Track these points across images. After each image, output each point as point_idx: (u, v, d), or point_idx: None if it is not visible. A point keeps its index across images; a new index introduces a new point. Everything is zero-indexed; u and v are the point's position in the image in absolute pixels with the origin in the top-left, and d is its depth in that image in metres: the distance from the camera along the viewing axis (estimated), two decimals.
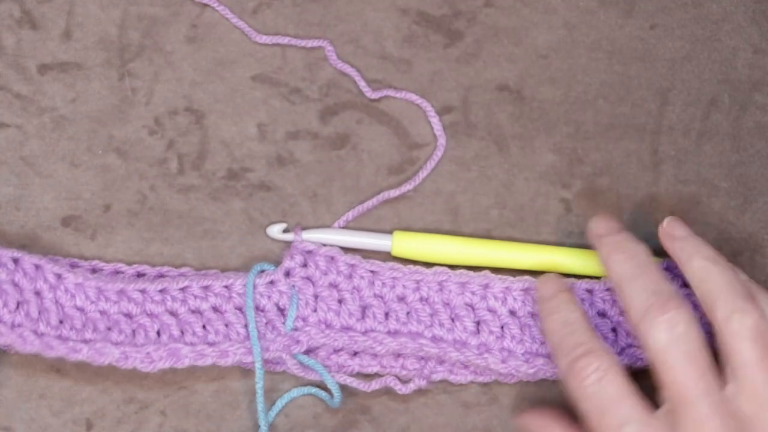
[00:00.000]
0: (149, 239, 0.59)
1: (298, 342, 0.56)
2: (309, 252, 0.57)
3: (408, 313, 0.57)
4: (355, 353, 0.57)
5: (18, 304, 0.55)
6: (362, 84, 0.61)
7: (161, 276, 0.57)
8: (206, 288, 0.56)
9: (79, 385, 0.57)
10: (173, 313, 0.56)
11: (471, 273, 0.58)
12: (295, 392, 0.57)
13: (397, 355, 0.57)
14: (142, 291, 0.56)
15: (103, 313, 0.56)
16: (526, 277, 0.58)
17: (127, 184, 0.59)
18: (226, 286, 0.57)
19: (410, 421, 0.58)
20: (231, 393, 0.57)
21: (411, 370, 0.57)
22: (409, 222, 0.60)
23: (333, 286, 0.57)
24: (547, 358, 0.56)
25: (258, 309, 0.56)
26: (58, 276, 0.55)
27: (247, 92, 0.61)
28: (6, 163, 0.59)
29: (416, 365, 0.57)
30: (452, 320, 0.57)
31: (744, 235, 0.60)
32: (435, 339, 0.56)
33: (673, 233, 0.55)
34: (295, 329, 0.56)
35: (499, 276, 0.58)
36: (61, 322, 0.55)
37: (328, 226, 0.59)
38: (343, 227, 0.59)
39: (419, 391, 0.57)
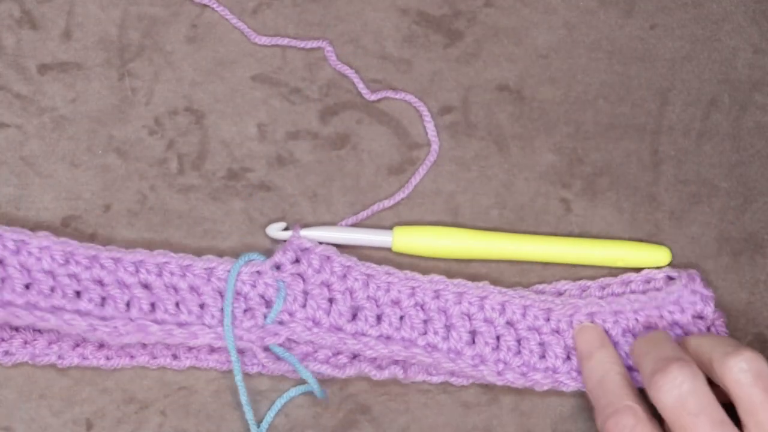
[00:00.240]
0: (149, 239, 0.59)
1: (276, 335, 0.55)
2: (304, 249, 0.57)
3: (401, 317, 0.56)
4: (354, 356, 0.57)
5: None
6: (361, 86, 0.61)
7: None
8: (186, 267, 0.56)
9: (79, 385, 0.57)
10: (146, 286, 0.56)
11: (469, 283, 0.57)
12: (294, 392, 0.57)
13: (396, 360, 0.57)
14: (116, 260, 0.56)
15: (72, 276, 0.55)
16: (526, 292, 0.57)
17: (127, 184, 0.59)
18: (207, 269, 0.56)
19: (410, 421, 0.58)
20: (231, 393, 0.57)
21: (395, 362, 0.57)
22: (409, 222, 0.60)
23: (325, 284, 0.56)
24: (545, 372, 0.56)
25: (239, 294, 0.56)
26: (21, 241, 0.55)
27: (247, 92, 0.61)
28: (6, 163, 0.59)
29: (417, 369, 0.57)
30: (447, 329, 0.56)
31: (744, 235, 0.60)
32: (429, 347, 0.56)
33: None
34: (280, 323, 0.56)
35: (498, 288, 0.57)
36: (27, 287, 0.55)
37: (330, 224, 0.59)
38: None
39: (419, 391, 0.57)
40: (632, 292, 0.58)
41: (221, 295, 0.56)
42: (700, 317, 0.57)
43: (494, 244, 0.59)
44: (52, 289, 0.55)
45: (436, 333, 0.56)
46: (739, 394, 0.50)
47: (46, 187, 0.59)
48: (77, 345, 0.56)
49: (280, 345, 0.56)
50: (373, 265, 0.57)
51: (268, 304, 0.56)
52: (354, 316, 0.56)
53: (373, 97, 0.61)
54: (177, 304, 0.56)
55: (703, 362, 0.52)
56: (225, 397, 0.57)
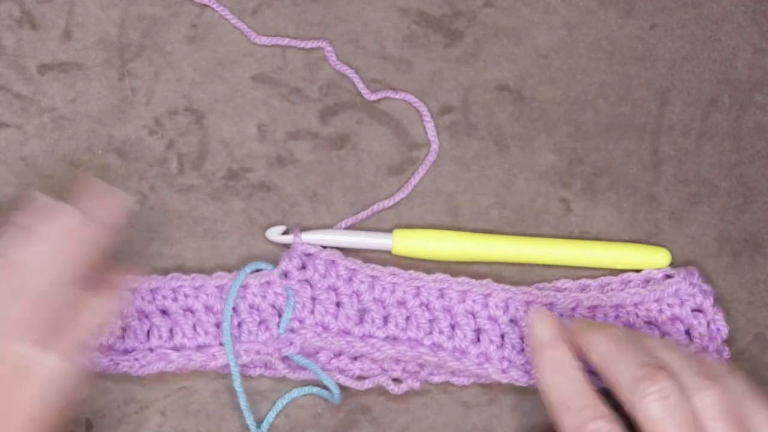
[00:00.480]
0: (149, 239, 0.59)
1: (291, 344, 0.56)
2: (309, 255, 0.57)
3: (407, 318, 0.56)
4: (355, 357, 0.57)
5: None
6: (361, 86, 0.61)
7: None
8: (199, 288, 0.57)
9: (79, 385, 0.57)
10: (164, 311, 0.56)
11: (473, 281, 0.57)
12: (296, 392, 0.57)
13: (397, 360, 0.57)
14: (132, 290, 0.56)
15: None
16: (529, 288, 0.58)
17: (127, 184, 0.59)
18: (218, 286, 0.57)
19: (410, 421, 0.58)
20: (231, 393, 0.57)
21: (411, 373, 0.57)
22: (409, 222, 0.60)
23: (332, 289, 0.57)
24: None
25: (252, 308, 0.56)
26: None
27: (247, 92, 0.61)
28: (6, 163, 0.59)
29: (417, 369, 0.57)
30: (452, 327, 0.57)
31: (744, 235, 0.60)
32: (434, 346, 0.56)
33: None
34: (291, 331, 0.56)
35: (502, 286, 0.57)
36: None
37: (329, 227, 0.59)
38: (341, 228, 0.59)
39: (419, 391, 0.57)
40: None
41: (235, 311, 0.56)
42: (699, 311, 0.57)
43: (494, 247, 0.59)
44: None
45: (441, 332, 0.56)
46: (707, 427, 0.49)
47: (46, 187, 0.59)
48: None
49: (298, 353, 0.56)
50: (378, 267, 0.57)
51: (280, 313, 0.56)
52: (361, 319, 0.56)
53: (373, 97, 0.61)
54: (194, 327, 0.56)
55: (600, 369, 0.51)
56: (225, 398, 0.57)
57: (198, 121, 0.60)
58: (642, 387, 0.49)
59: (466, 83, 0.61)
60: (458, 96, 0.61)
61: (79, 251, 0.51)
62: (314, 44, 0.61)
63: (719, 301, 0.59)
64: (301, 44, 0.61)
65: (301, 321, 0.56)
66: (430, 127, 0.60)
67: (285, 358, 0.57)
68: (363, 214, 0.59)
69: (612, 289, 0.58)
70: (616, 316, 0.57)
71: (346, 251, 0.58)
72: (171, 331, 0.56)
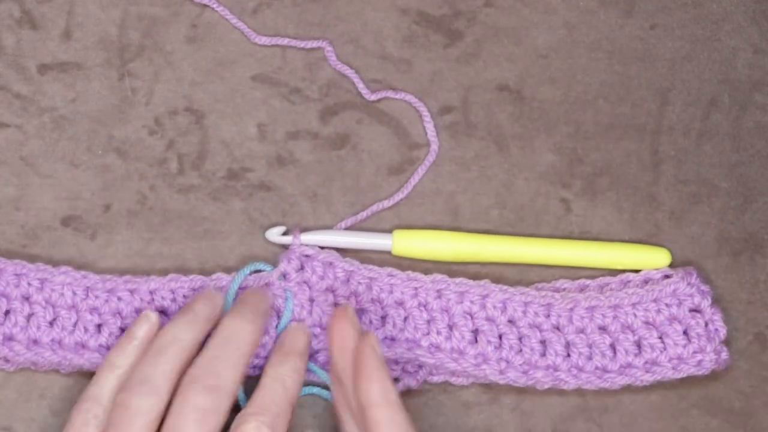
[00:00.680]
0: (149, 239, 0.59)
1: None
2: (307, 256, 0.57)
3: (405, 318, 0.56)
4: None
5: (6, 313, 0.55)
6: (361, 86, 0.61)
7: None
8: (197, 290, 0.57)
9: (79, 385, 0.57)
10: (163, 311, 0.56)
11: (471, 282, 0.57)
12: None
13: (396, 360, 0.57)
14: (132, 291, 0.56)
15: (94, 310, 0.56)
16: (526, 289, 0.58)
17: (127, 184, 0.59)
18: (217, 288, 0.57)
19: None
20: None
21: (410, 372, 0.57)
22: (409, 222, 0.60)
23: (329, 290, 0.57)
24: (545, 370, 0.56)
25: None
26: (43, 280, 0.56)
27: (247, 92, 0.61)
28: (6, 163, 0.59)
29: (416, 369, 0.57)
30: (450, 328, 0.56)
31: (744, 235, 0.60)
32: (432, 347, 0.56)
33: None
34: None
35: (500, 286, 0.57)
36: (51, 324, 0.55)
37: (329, 227, 0.59)
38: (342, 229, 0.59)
39: (419, 391, 0.57)
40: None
41: None
42: (698, 311, 0.57)
43: (494, 247, 0.59)
44: (75, 324, 0.55)
45: (438, 333, 0.56)
46: None
47: (46, 187, 0.59)
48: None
49: None
50: (376, 268, 0.57)
51: (279, 315, 0.56)
52: (359, 320, 0.56)
53: (373, 97, 0.61)
54: None
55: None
56: None
57: (198, 121, 0.60)
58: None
59: (466, 83, 0.61)
60: (458, 96, 0.61)
61: None
62: (314, 44, 0.61)
63: (719, 301, 0.59)
64: (301, 44, 0.61)
65: (299, 322, 0.56)
66: (429, 127, 0.60)
67: None
68: (362, 215, 0.59)
69: (611, 290, 0.58)
70: (615, 317, 0.57)
71: (346, 252, 0.58)
72: None
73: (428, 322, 0.56)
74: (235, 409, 0.51)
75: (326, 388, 0.57)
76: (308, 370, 0.57)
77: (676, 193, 0.61)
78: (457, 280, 0.57)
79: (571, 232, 0.60)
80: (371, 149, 0.60)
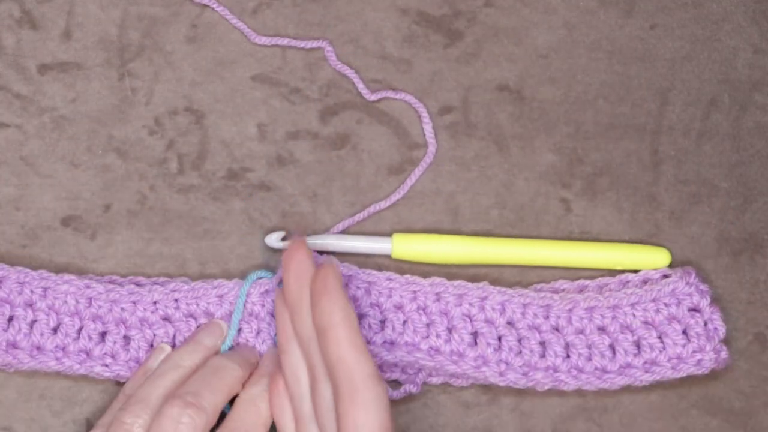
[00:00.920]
0: (149, 239, 0.59)
1: None
2: None
3: (404, 322, 0.56)
4: None
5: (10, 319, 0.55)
6: (361, 86, 0.61)
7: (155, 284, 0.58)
8: (199, 298, 0.57)
9: (79, 385, 0.57)
10: (166, 319, 0.56)
11: (469, 284, 0.57)
12: None
13: (396, 362, 0.57)
14: (135, 302, 0.56)
15: (97, 318, 0.56)
16: (525, 290, 0.58)
17: (127, 184, 0.59)
18: (219, 296, 0.57)
19: (410, 421, 0.58)
20: None
21: (410, 374, 0.57)
22: (409, 222, 0.60)
23: None
24: (545, 371, 0.56)
25: (251, 316, 0.56)
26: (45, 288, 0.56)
27: (247, 92, 0.61)
28: (6, 163, 0.59)
29: (416, 371, 0.57)
30: (449, 331, 0.56)
31: (744, 235, 0.60)
32: (431, 350, 0.56)
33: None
34: None
35: (498, 288, 0.57)
36: (55, 331, 0.55)
37: (326, 230, 0.59)
38: (341, 232, 0.59)
39: (419, 392, 0.57)
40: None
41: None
42: (697, 310, 0.57)
43: (493, 249, 0.59)
44: (79, 332, 0.56)
45: (438, 336, 0.56)
46: None
47: (46, 187, 0.59)
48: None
49: None
50: (374, 272, 0.57)
51: None
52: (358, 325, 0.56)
53: (373, 97, 0.61)
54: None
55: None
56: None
57: (198, 121, 0.60)
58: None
59: (466, 83, 0.61)
60: (458, 96, 0.61)
61: None
62: (314, 44, 0.61)
63: (719, 301, 0.59)
64: (301, 44, 0.61)
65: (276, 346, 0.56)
66: (428, 128, 0.60)
67: None
68: (359, 216, 0.59)
69: (610, 290, 0.58)
70: (614, 317, 0.57)
71: (345, 255, 0.58)
72: (174, 338, 0.56)
73: (427, 325, 0.56)
74: None
75: None
76: None
77: (676, 193, 0.61)
78: (456, 282, 0.57)
79: (571, 232, 0.60)
80: (371, 149, 0.60)
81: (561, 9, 0.62)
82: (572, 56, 0.62)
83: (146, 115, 0.60)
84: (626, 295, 0.57)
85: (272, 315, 0.56)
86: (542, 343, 0.56)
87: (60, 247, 0.58)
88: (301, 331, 0.50)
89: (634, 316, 0.57)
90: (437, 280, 0.57)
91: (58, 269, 0.57)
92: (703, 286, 0.57)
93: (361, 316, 0.56)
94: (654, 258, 0.59)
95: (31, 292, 0.56)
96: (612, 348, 0.56)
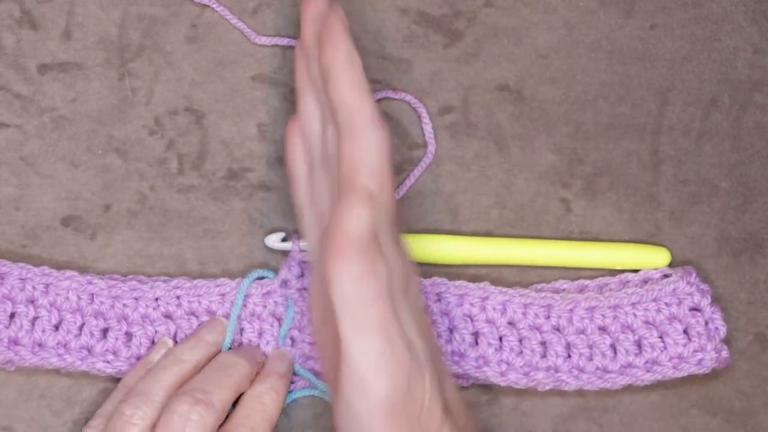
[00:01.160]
0: (149, 239, 0.59)
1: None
2: (306, 262, 0.57)
3: None
4: None
5: (12, 316, 0.55)
6: None
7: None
8: (201, 296, 0.57)
9: (79, 385, 0.57)
10: (168, 316, 0.56)
11: (470, 284, 0.57)
12: (297, 392, 0.57)
13: None
14: (137, 298, 0.56)
15: (99, 315, 0.56)
16: (525, 290, 0.58)
17: (127, 184, 0.59)
18: (220, 294, 0.57)
19: None
20: None
21: None
22: (409, 222, 0.60)
23: None
24: (546, 371, 0.56)
25: (253, 316, 0.56)
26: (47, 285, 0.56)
27: (247, 92, 0.61)
28: (6, 163, 0.59)
29: None
30: (450, 331, 0.57)
31: (744, 235, 0.60)
32: None
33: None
34: (291, 340, 0.56)
35: (499, 288, 0.57)
36: (57, 328, 0.55)
37: None
38: None
39: None
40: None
41: (237, 318, 0.56)
42: (697, 309, 0.57)
43: (494, 249, 0.59)
44: (80, 329, 0.55)
45: (439, 336, 0.56)
46: None
47: (46, 187, 0.59)
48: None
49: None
50: None
51: (280, 322, 0.56)
52: None
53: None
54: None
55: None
56: None
57: (198, 121, 0.60)
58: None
59: (466, 83, 0.61)
60: (458, 96, 0.61)
61: None
62: None
63: (719, 301, 0.59)
64: None
65: (300, 329, 0.56)
66: (428, 129, 0.60)
67: None
68: None
69: (610, 290, 0.58)
70: (614, 317, 0.57)
71: None
72: (175, 335, 0.56)
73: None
74: None
75: (325, 392, 0.57)
76: (302, 377, 0.57)
77: (676, 193, 0.61)
78: (457, 282, 0.57)
79: (571, 232, 0.60)
80: None
81: (561, 9, 0.62)
82: (572, 56, 0.62)
83: (146, 115, 0.60)
84: (627, 295, 0.57)
85: (274, 316, 0.56)
86: (543, 343, 0.57)
87: (60, 247, 0.58)
88: (314, 75, 0.50)
89: (635, 315, 0.57)
90: (438, 280, 0.57)
91: (59, 269, 0.57)
92: (704, 286, 0.57)
93: None
94: (654, 258, 0.59)
95: (33, 288, 0.56)
96: (613, 348, 0.56)
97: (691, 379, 0.57)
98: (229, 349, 0.56)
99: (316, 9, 0.52)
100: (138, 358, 0.55)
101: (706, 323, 0.57)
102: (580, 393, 0.58)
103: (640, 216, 0.60)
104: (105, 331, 0.56)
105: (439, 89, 0.61)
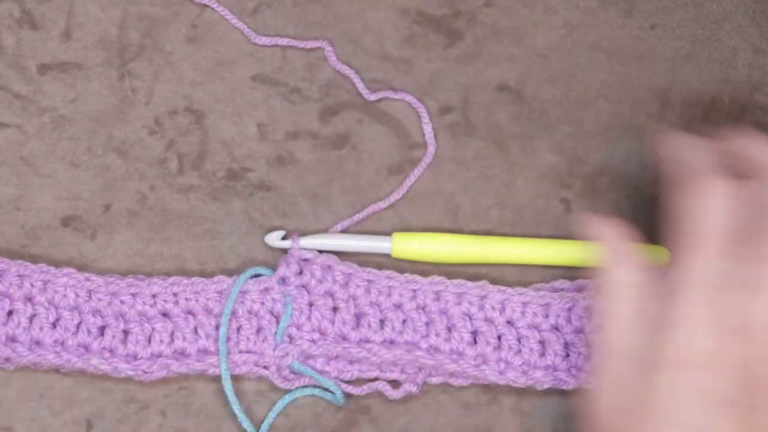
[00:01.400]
0: (149, 239, 0.59)
1: (287, 354, 0.56)
2: (305, 260, 0.57)
3: (404, 321, 0.56)
4: (353, 360, 0.57)
5: (10, 313, 0.55)
6: (361, 86, 0.61)
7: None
8: (198, 293, 0.57)
9: (79, 385, 0.57)
10: (165, 314, 0.56)
11: (469, 283, 0.57)
12: (297, 392, 0.57)
13: (395, 362, 0.57)
14: (135, 294, 0.56)
15: (96, 312, 0.56)
16: (524, 289, 0.58)
17: (127, 184, 0.59)
18: (218, 292, 0.57)
19: (410, 421, 0.58)
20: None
21: (410, 374, 0.57)
22: (409, 222, 0.60)
23: (328, 294, 0.57)
24: (545, 370, 0.56)
25: (251, 313, 0.56)
26: (46, 282, 0.56)
27: (247, 92, 0.61)
28: (6, 163, 0.59)
29: (415, 371, 0.57)
30: (449, 330, 0.57)
31: None
32: (431, 349, 0.56)
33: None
34: (289, 337, 0.56)
35: (498, 287, 0.57)
36: (54, 325, 0.55)
37: (326, 230, 0.59)
38: (341, 231, 0.59)
39: (419, 392, 0.57)
40: None
41: (234, 315, 0.56)
42: None
43: (494, 248, 0.59)
44: (78, 326, 0.56)
45: (438, 335, 0.56)
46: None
47: (46, 187, 0.59)
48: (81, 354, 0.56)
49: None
50: (374, 271, 0.57)
51: (278, 319, 0.56)
52: (358, 323, 0.56)
53: (373, 97, 0.61)
54: (195, 329, 0.56)
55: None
56: (225, 397, 0.57)
57: (198, 121, 0.60)
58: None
59: (466, 83, 0.61)
60: (458, 96, 0.61)
61: None
62: (314, 44, 0.61)
63: None
64: (301, 44, 0.61)
65: (298, 327, 0.56)
66: (428, 129, 0.60)
67: (280, 367, 0.57)
68: (358, 216, 0.59)
69: None
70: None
71: (345, 255, 0.58)
72: (172, 334, 0.56)
73: (427, 324, 0.56)
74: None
75: (326, 389, 0.57)
76: (306, 377, 0.57)
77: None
78: (456, 281, 0.57)
79: (571, 232, 0.60)
80: (371, 149, 0.60)
81: (561, 9, 0.62)
82: (572, 56, 0.62)
83: (146, 115, 0.60)
84: None
85: (272, 313, 0.56)
86: (542, 342, 0.57)
87: (60, 247, 0.58)
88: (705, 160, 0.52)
89: None
90: (437, 278, 0.57)
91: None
92: None
93: (360, 315, 0.56)
94: (654, 257, 0.59)
95: (31, 285, 0.56)
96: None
97: None
98: (225, 341, 0.56)
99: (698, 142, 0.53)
100: (135, 356, 0.55)
101: None
102: (579, 393, 0.58)
103: (640, 216, 0.60)
104: (102, 329, 0.56)
105: (439, 89, 0.61)
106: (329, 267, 0.57)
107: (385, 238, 0.58)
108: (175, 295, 0.56)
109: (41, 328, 0.55)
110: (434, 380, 0.57)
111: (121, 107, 0.60)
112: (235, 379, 0.57)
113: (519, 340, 0.57)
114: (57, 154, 0.59)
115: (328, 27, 0.61)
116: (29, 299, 0.56)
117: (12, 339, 0.55)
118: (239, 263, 0.59)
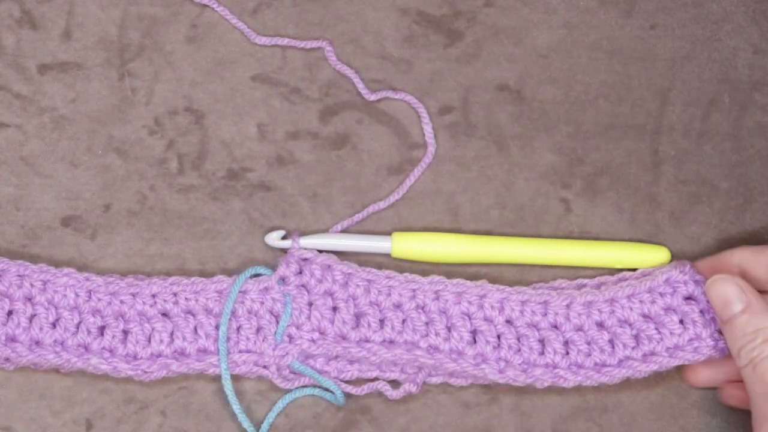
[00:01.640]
0: (149, 239, 0.59)
1: (287, 354, 0.56)
2: (305, 260, 0.57)
3: (404, 321, 0.56)
4: (353, 360, 0.57)
5: (9, 313, 0.55)
6: (361, 86, 0.61)
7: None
8: (198, 293, 0.57)
9: (79, 385, 0.57)
10: (165, 314, 0.56)
11: (468, 282, 0.57)
12: (297, 392, 0.57)
13: (395, 362, 0.57)
14: (135, 294, 0.56)
15: (96, 312, 0.56)
16: (524, 288, 0.58)
17: (127, 184, 0.59)
18: (218, 291, 0.57)
19: (410, 421, 0.58)
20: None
21: (410, 374, 0.57)
22: (410, 222, 0.60)
23: (328, 293, 0.57)
24: (545, 368, 0.56)
25: (250, 313, 0.56)
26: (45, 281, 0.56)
27: (247, 92, 0.61)
28: (6, 163, 0.59)
29: (415, 371, 0.57)
30: (448, 329, 0.57)
31: (744, 235, 0.60)
32: (431, 349, 0.56)
33: None
34: (289, 337, 0.56)
35: (497, 286, 0.57)
36: (54, 325, 0.55)
37: (326, 230, 0.59)
38: (341, 231, 0.59)
39: (419, 392, 0.57)
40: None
41: (234, 315, 0.56)
42: (692, 298, 0.57)
43: (493, 248, 0.59)
44: (77, 326, 0.56)
45: (437, 334, 0.56)
46: None
47: (46, 187, 0.59)
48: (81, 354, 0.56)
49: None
50: (374, 270, 0.57)
51: (278, 319, 0.56)
52: (357, 323, 0.56)
53: (372, 97, 0.61)
54: (195, 329, 0.56)
55: None
56: (225, 397, 0.57)
57: (198, 121, 0.60)
58: None
59: (466, 83, 0.61)
60: (458, 96, 0.61)
61: None
62: (314, 44, 0.61)
63: None
64: (301, 44, 0.61)
65: (298, 327, 0.56)
66: (428, 129, 0.60)
67: (281, 366, 0.57)
68: (358, 216, 0.59)
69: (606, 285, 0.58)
70: (611, 311, 0.57)
71: (345, 255, 0.58)
72: (171, 334, 0.56)
73: (427, 323, 0.56)
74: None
75: (326, 389, 0.57)
76: (305, 377, 0.57)
77: (676, 193, 0.61)
78: (455, 281, 0.57)
79: (571, 232, 0.60)
80: (371, 149, 0.60)
81: (561, 9, 0.62)
82: (572, 56, 0.62)
83: (146, 115, 0.60)
84: (622, 288, 0.57)
85: (272, 313, 0.56)
86: (541, 341, 0.56)
87: (60, 247, 0.58)
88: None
89: (631, 309, 0.57)
90: (436, 278, 0.57)
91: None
92: (699, 277, 0.57)
93: (360, 315, 0.56)
94: (654, 257, 0.59)
95: (31, 285, 0.56)
96: (611, 342, 0.56)
97: None
98: (225, 341, 0.56)
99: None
100: (135, 356, 0.55)
101: (702, 312, 0.57)
102: (579, 393, 0.58)
103: (640, 216, 0.60)
104: (102, 329, 0.56)
105: (439, 89, 0.61)
106: (329, 267, 0.57)
107: (385, 237, 0.58)
108: (175, 295, 0.56)
109: (41, 328, 0.55)
110: (434, 380, 0.57)
111: (121, 107, 0.60)
112: (235, 378, 0.57)
113: (518, 338, 0.57)
114: (57, 154, 0.59)
115: (328, 27, 0.61)
116: (29, 299, 0.56)
117: (12, 339, 0.55)
118: (239, 263, 0.59)
